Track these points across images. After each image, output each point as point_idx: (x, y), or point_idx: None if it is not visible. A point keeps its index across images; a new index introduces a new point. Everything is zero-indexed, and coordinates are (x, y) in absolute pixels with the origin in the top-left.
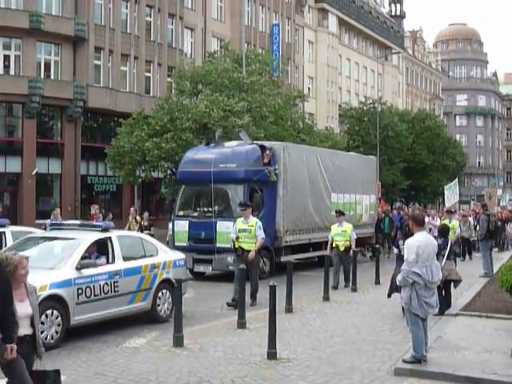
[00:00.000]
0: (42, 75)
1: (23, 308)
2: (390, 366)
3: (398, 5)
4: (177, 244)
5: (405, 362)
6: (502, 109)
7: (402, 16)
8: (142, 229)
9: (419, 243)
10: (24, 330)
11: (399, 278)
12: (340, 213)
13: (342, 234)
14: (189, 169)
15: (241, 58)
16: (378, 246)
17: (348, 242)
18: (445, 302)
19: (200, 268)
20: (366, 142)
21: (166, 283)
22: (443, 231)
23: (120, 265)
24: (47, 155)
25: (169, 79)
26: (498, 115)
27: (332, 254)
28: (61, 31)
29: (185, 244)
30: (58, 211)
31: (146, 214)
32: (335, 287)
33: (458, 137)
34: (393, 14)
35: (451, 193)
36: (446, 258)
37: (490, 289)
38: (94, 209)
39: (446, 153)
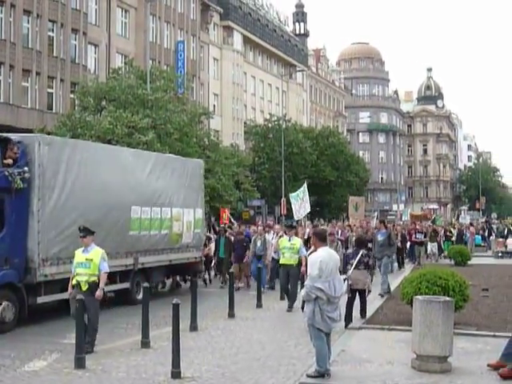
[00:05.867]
0: None
1: None
2: (295, 381)
3: (302, 23)
4: None
5: (309, 376)
6: (402, 126)
7: (306, 35)
8: None
9: (322, 258)
10: None
11: (302, 292)
12: (86, 231)
13: (86, 264)
14: None
15: (145, 74)
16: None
17: (95, 278)
18: (348, 316)
19: None
20: (271, 159)
21: None
22: (358, 242)
23: None
24: None
25: (72, 95)
26: (400, 132)
27: (72, 296)
28: None
29: None
30: None
31: None
32: (90, 351)
33: (361, 153)
34: (297, 32)
35: (298, 201)
36: (354, 268)
37: (392, 302)
38: None
39: (350, 169)
